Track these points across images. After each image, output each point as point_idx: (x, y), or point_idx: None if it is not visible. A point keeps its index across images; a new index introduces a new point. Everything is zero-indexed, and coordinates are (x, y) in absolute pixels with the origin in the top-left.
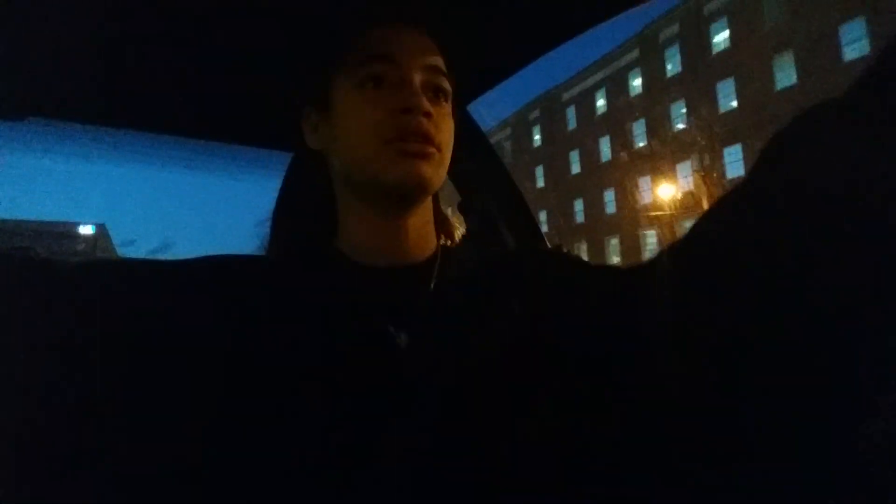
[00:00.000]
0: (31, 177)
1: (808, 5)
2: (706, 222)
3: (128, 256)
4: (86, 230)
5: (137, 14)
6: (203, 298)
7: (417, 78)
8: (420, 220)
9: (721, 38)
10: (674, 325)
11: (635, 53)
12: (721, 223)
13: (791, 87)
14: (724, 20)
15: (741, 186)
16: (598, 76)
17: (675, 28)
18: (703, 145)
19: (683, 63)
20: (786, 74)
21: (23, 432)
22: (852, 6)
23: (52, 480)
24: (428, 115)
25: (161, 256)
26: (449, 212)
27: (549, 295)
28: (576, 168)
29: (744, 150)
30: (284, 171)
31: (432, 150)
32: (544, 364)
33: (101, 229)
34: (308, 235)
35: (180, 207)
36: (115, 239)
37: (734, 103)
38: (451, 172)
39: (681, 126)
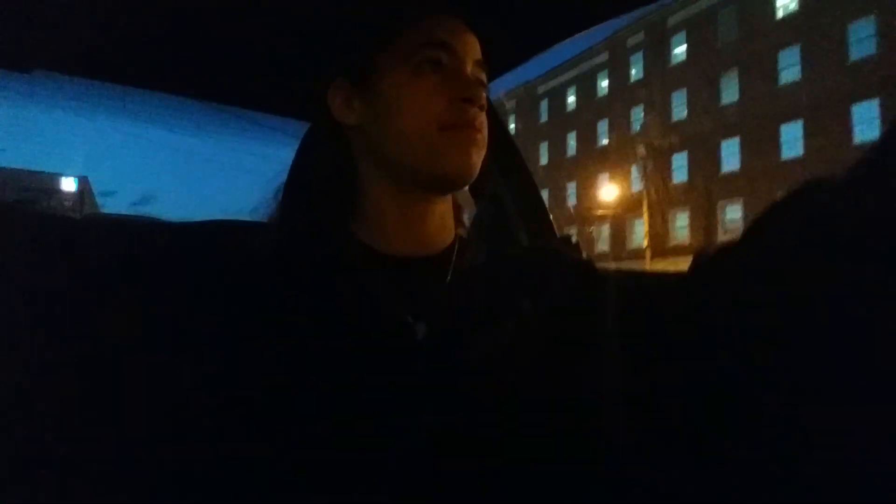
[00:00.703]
0: (8, 126)
1: (756, 28)
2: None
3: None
4: (68, 183)
5: None
6: (217, 277)
7: (470, 69)
8: (445, 207)
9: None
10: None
11: (604, 57)
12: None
13: (733, 104)
14: (683, 34)
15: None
16: (571, 73)
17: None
18: (645, 154)
19: (645, 70)
20: (730, 92)
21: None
22: (789, 35)
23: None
24: (482, 107)
25: (142, 209)
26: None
27: (562, 291)
28: (544, 160)
29: (689, 158)
30: (269, 135)
31: (482, 143)
32: (558, 359)
33: (84, 182)
34: (324, 214)
35: (163, 163)
36: (96, 189)
37: (684, 114)
38: None
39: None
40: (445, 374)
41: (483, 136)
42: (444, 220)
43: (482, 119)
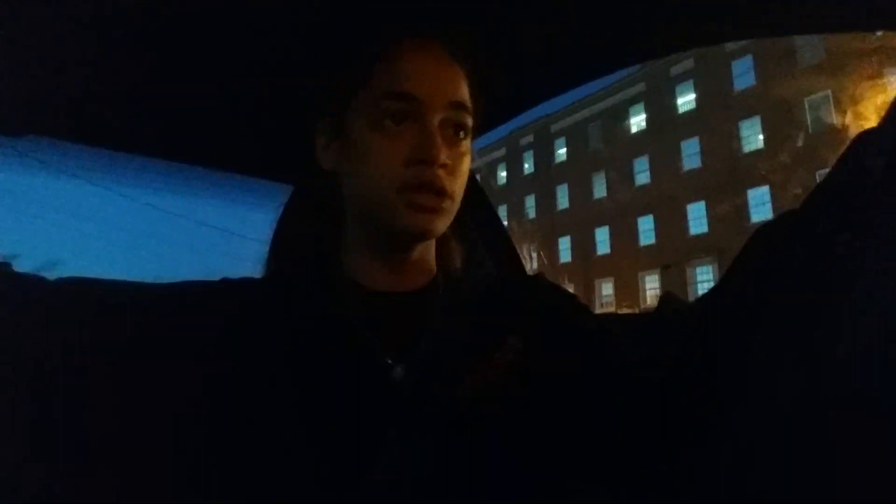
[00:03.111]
0: None
1: (615, 140)
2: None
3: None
4: None
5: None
6: (201, 324)
7: (438, 117)
8: (421, 254)
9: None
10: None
11: (502, 152)
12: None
13: (602, 198)
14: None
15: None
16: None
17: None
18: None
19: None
20: (600, 188)
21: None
22: (642, 145)
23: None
24: (444, 166)
25: (47, 274)
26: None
27: (544, 328)
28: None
29: (571, 241)
30: (194, 189)
31: (445, 204)
32: (539, 397)
33: None
34: (314, 253)
35: (72, 222)
36: None
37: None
38: None
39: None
40: (420, 415)
41: (449, 193)
42: (422, 261)
43: (444, 180)
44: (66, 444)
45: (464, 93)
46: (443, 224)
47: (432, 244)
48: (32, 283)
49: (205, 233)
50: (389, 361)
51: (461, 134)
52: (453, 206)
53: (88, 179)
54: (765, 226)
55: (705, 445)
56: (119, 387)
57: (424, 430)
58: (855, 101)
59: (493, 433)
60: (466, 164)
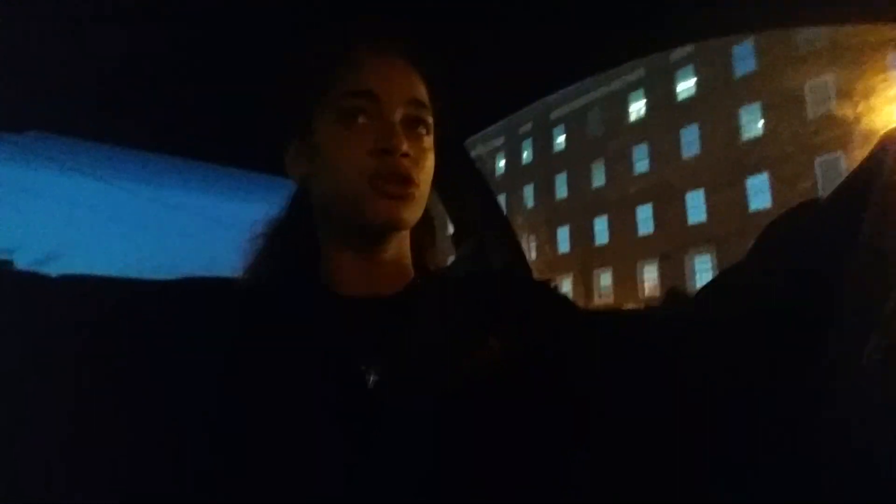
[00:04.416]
0: None
1: (615, 127)
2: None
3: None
4: None
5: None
6: (184, 324)
7: (398, 113)
8: (395, 254)
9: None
10: (648, 373)
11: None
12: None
13: (601, 187)
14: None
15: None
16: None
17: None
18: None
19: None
20: (599, 177)
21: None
22: (638, 134)
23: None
24: (406, 154)
25: (45, 268)
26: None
27: (521, 331)
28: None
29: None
30: (194, 183)
31: (412, 189)
32: (514, 402)
33: None
34: (290, 263)
35: (72, 215)
36: None
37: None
38: (446, 204)
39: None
40: (396, 421)
41: (416, 182)
42: (397, 263)
43: (409, 167)
44: (65, 439)
45: (421, 92)
46: (411, 213)
47: (406, 245)
48: (33, 281)
49: (205, 225)
50: (363, 367)
51: (423, 129)
52: (420, 195)
53: (90, 174)
54: (778, 222)
55: (696, 444)
56: (112, 384)
57: (401, 436)
58: (866, 95)
59: (471, 436)
60: (430, 160)
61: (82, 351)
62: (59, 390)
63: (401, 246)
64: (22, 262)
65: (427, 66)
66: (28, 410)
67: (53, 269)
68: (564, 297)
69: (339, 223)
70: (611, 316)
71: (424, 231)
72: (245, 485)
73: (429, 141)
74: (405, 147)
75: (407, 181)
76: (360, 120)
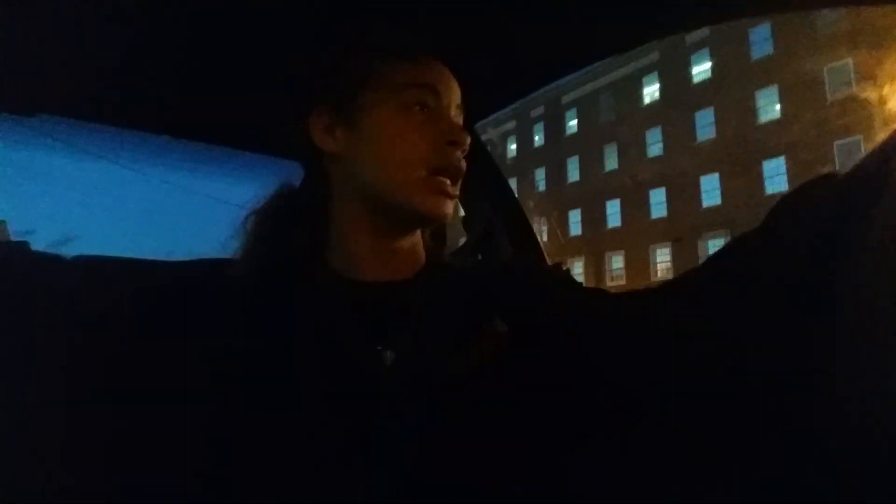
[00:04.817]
0: None
1: (627, 112)
2: (706, 268)
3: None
4: None
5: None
6: (194, 307)
7: (453, 113)
8: (414, 242)
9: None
10: (656, 352)
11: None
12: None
13: (614, 171)
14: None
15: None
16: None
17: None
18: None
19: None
20: (612, 160)
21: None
22: (652, 118)
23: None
24: (465, 151)
25: (62, 250)
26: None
27: (531, 312)
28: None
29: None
30: (206, 166)
31: (457, 191)
32: (527, 381)
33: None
34: (297, 242)
35: (86, 199)
36: (12, 228)
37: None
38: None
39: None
40: (413, 399)
41: (460, 181)
42: (415, 247)
43: (462, 163)
44: (75, 420)
45: (460, 97)
46: (451, 211)
47: (420, 236)
48: (49, 262)
49: (216, 208)
50: (379, 348)
51: (466, 135)
52: (457, 195)
53: (103, 157)
54: (792, 195)
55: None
56: (126, 364)
57: (416, 414)
58: (887, 78)
59: (483, 415)
60: None
61: (98, 331)
62: (74, 369)
63: (418, 237)
64: (39, 244)
65: (467, 75)
66: (40, 386)
67: (69, 251)
68: (574, 281)
69: (379, 207)
70: (620, 298)
71: None
72: (262, 465)
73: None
74: (467, 141)
75: (459, 179)
76: (422, 112)
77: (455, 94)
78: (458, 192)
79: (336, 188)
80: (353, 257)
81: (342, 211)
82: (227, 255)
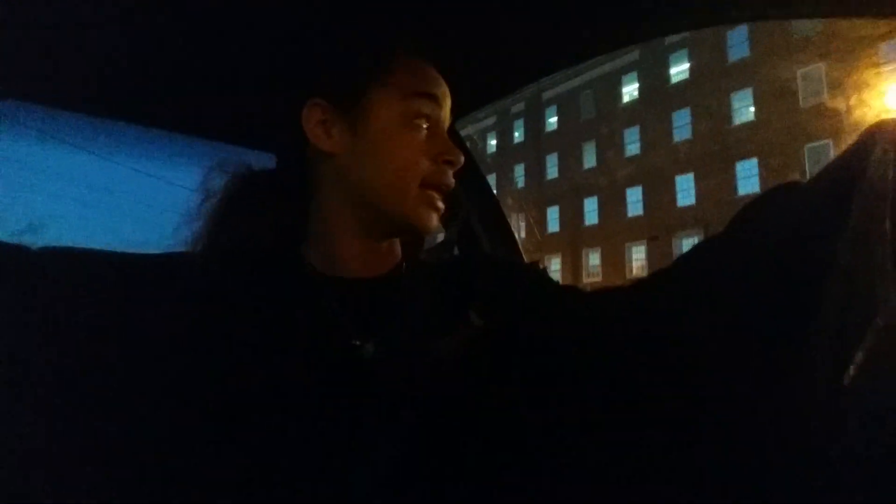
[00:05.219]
0: None
1: (606, 111)
2: (681, 264)
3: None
4: None
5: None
6: (166, 300)
7: (447, 123)
8: (392, 243)
9: (630, 88)
10: (633, 345)
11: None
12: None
13: (591, 168)
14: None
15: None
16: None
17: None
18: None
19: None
20: (590, 158)
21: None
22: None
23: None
24: (457, 169)
25: (27, 238)
26: None
27: (507, 305)
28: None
29: (560, 211)
30: (179, 156)
31: (444, 205)
32: (501, 374)
33: None
34: (272, 235)
35: (55, 187)
36: None
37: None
38: None
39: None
40: (392, 393)
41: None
42: (393, 245)
43: (453, 182)
44: (45, 419)
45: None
46: (437, 223)
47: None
48: (14, 252)
49: (191, 199)
50: (358, 343)
51: (460, 153)
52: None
53: (74, 144)
54: (758, 201)
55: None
56: (94, 359)
57: (396, 407)
58: (858, 88)
59: (460, 408)
60: None
61: (63, 324)
62: (35, 365)
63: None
64: (1, 233)
65: (454, 78)
66: (9, 385)
67: (35, 240)
68: (548, 277)
69: (367, 212)
70: (594, 295)
71: None
72: (242, 459)
73: None
74: (461, 160)
75: (448, 196)
76: (423, 123)
77: (449, 105)
78: (444, 207)
79: (325, 186)
80: (335, 255)
81: (329, 209)
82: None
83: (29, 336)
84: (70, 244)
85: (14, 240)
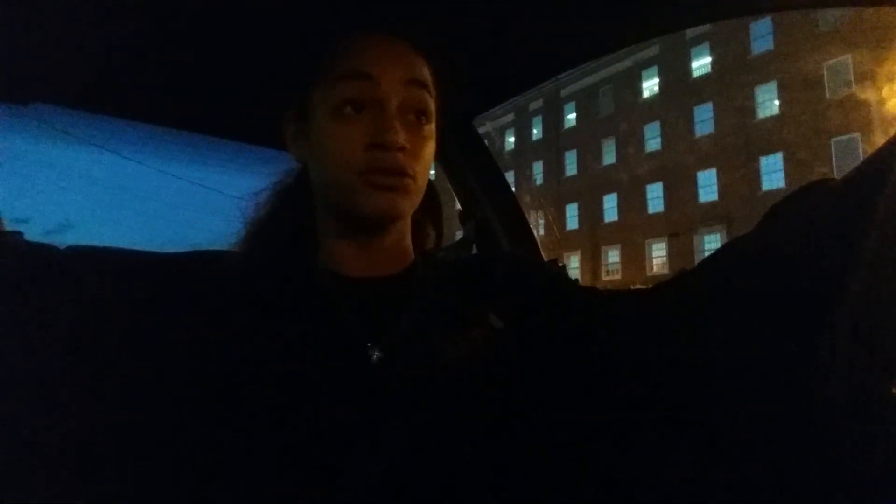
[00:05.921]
0: None
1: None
2: (702, 269)
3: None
4: None
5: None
6: (187, 299)
7: (396, 99)
8: (395, 239)
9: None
10: (645, 348)
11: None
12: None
13: (612, 165)
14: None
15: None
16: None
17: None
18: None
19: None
20: (610, 155)
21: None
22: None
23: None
24: (402, 149)
25: (57, 238)
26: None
27: (525, 308)
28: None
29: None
30: (205, 157)
31: (407, 181)
32: (515, 377)
33: None
34: (289, 243)
35: (84, 188)
36: (6, 216)
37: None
38: (454, 184)
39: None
40: (399, 397)
41: (411, 174)
42: (397, 247)
43: (403, 161)
44: (69, 412)
45: (423, 73)
46: (406, 204)
47: (407, 230)
48: (43, 252)
49: (216, 199)
50: (369, 344)
51: (422, 119)
52: (416, 187)
53: (99, 146)
54: (788, 200)
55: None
56: (119, 357)
57: (405, 411)
58: (886, 78)
59: (473, 411)
60: (429, 148)
61: (92, 323)
62: (67, 361)
63: (400, 231)
64: (32, 233)
65: (430, 46)
66: (33, 378)
67: (64, 240)
68: (567, 277)
69: (334, 212)
70: (615, 297)
71: (426, 214)
72: (251, 459)
73: (429, 129)
74: (401, 141)
75: (402, 173)
76: (358, 111)
77: (401, 70)
78: (404, 184)
79: (314, 193)
80: (336, 256)
81: (320, 215)
82: (224, 246)
83: (57, 334)
84: (97, 244)
85: (43, 239)
